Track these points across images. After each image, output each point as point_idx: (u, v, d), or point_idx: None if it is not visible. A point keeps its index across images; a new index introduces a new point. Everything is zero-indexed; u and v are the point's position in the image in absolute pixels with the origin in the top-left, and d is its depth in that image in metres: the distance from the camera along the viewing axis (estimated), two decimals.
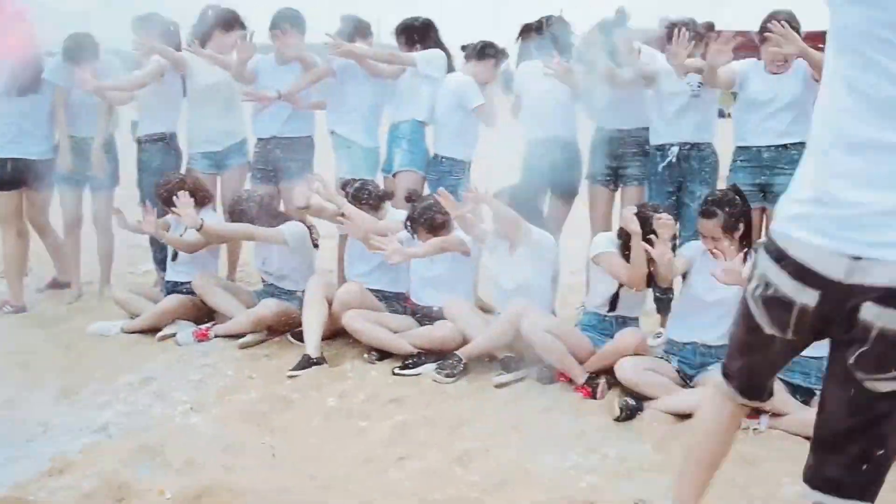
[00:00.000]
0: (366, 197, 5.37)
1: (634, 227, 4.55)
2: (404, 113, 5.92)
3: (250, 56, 5.87)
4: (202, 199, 5.68)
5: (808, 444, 3.86)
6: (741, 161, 5.18)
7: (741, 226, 4.47)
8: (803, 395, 4.26)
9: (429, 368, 4.84)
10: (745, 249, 4.40)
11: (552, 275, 5.09)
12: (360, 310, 5.11)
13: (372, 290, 5.34)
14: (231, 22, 5.99)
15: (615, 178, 5.65)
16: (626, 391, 4.45)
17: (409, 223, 5.19)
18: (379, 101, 6.01)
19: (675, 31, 4.93)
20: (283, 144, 6.08)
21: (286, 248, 5.49)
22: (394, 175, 5.91)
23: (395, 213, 5.43)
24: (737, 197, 4.53)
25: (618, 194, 5.76)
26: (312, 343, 5.04)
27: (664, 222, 4.44)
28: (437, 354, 4.93)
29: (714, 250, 4.40)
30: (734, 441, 3.92)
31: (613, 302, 4.80)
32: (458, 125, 5.86)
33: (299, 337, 5.32)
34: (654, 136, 5.41)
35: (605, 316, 4.85)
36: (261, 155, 6.15)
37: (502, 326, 4.75)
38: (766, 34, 4.82)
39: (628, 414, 4.25)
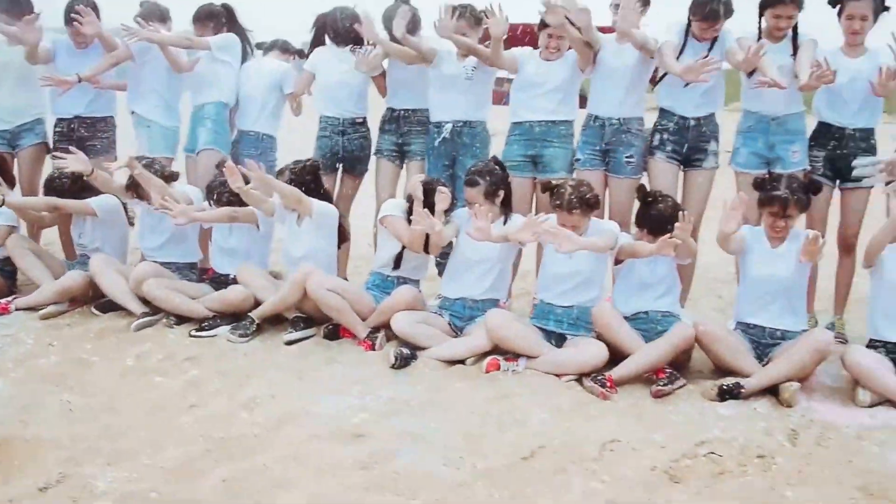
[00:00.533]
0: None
1: (418, 193, 5.06)
2: (207, 95, 6.17)
3: (38, 41, 5.94)
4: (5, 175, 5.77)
5: (556, 381, 4.49)
6: (515, 135, 5.65)
7: (501, 192, 5.06)
8: (557, 340, 4.85)
9: (223, 330, 5.16)
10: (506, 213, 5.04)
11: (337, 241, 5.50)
12: (159, 278, 5.37)
13: (164, 263, 5.62)
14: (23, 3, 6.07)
15: (401, 154, 6.06)
16: (403, 342, 4.91)
17: (207, 191, 5.56)
18: (177, 82, 6.24)
19: (453, 11, 5.44)
20: (87, 124, 6.22)
21: (98, 220, 5.70)
22: (197, 153, 6.18)
23: (186, 188, 5.72)
24: (497, 167, 5.11)
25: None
26: (132, 306, 5.36)
27: (444, 196, 5.00)
28: (232, 317, 5.27)
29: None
30: (494, 380, 4.51)
31: (397, 261, 5.26)
32: (276, 105, 6.26)
33: (102, 308, 5.56)
34: (432, 114, 5.85)
35: (389, 276, 5.32)
36: (63, 134, 6.22)
37: (290, 288, 5.11)
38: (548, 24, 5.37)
39: (403, 362, 4.70)
